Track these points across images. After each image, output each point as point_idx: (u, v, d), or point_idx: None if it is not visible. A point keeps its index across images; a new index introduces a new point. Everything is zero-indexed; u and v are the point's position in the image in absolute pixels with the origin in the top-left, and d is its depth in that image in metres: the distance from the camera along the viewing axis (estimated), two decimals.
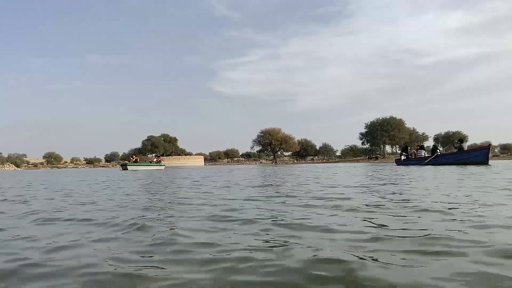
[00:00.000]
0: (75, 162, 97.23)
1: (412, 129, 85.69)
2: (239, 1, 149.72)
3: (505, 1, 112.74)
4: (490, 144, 17.42)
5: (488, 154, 16.45)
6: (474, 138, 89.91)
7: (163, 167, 31.00)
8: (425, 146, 23.68)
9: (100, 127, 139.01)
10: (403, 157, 21.63)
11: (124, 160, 41.59)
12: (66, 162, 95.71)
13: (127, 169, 27.38)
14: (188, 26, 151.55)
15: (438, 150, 20.37)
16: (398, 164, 21.06)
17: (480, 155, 16.58)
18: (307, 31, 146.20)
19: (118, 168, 38.50)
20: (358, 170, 13.92)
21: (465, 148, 18.61)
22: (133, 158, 31.18)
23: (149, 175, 14.65)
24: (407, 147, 23.78)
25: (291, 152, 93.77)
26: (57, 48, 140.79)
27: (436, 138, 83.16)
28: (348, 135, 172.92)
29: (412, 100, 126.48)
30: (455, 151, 18.57)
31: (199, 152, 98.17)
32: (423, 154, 20.38)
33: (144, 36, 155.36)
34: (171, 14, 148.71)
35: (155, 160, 34.59)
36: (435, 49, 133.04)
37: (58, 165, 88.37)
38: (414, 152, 21.97)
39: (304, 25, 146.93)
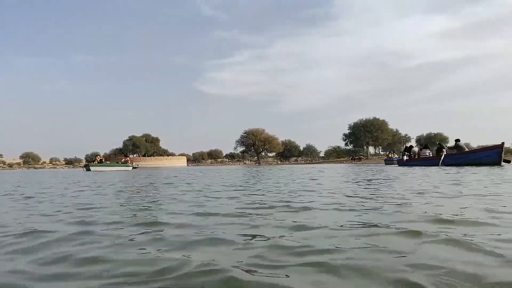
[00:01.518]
0: (54, 163, 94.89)
1: (395, 130, 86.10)
2: (227, 2, 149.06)
3: (486, 6, 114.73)
4: (503, 143, 15.29)
5: (501, 153, 14.90)
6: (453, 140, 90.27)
7: (130, 168, 29.86)
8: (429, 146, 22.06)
9: (83, 127, 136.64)
10: (405, 158, 20.35)
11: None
12: (44, 162, 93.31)
13: (90, 170, 26.34)
14: (176, 27, 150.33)
15: (444, 150, 18.51)
16: (400, 165, 19.37)
17: (492, 155, 15.00)
18: (294, 33, 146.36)
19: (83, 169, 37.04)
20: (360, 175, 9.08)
21: (464, 148, 17.36)
22: (98, 158, 30.06)
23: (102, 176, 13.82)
24: (411, 146, 22.55)
25: (275, 153, 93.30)
26: (43, 48, 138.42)
27: (418, 140, 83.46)
28: (332, 136, 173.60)
29: (397, 101, 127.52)
30: (461, 151, 16.91)
31: (182, 152, 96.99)
32: (427, 154, 19.18)
33: (131, 36, 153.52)
34: (159, 14, 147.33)
35: (122, 160, 33.43)
36: (419, 52, 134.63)
37: (36, 166, 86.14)
38: (418, 151, 20.61)
39: (291, 27, 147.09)
